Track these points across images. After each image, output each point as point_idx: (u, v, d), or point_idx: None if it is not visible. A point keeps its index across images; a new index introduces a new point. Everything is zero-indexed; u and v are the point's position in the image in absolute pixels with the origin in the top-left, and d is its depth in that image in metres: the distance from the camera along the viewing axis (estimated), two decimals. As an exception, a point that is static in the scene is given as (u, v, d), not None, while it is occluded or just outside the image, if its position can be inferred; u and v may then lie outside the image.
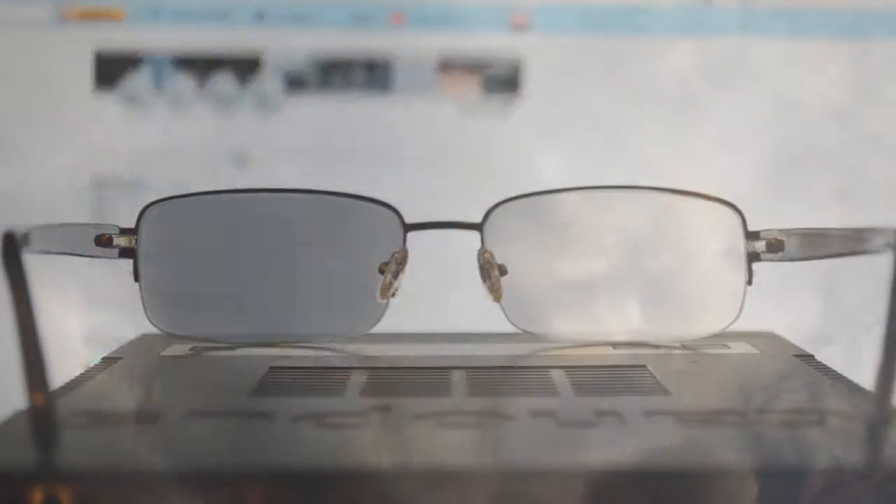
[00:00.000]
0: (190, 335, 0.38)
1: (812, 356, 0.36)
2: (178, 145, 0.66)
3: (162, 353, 0.37)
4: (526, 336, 0.39)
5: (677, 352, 0.37)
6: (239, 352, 0.37)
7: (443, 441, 0.26)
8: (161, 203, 0.39)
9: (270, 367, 0.34)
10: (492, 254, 0.38)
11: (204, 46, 0.66)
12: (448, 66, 0.66)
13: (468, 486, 0.23)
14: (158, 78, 0.66)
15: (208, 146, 0.66)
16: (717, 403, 0.30)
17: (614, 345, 0.38)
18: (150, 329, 0.38)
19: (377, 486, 0.23)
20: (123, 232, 0.38)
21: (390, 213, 0.38)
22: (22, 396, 0.25)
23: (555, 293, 0.38)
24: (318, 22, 0.66)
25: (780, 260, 0.37)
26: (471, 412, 0.29)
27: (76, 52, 0.66)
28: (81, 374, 0.33)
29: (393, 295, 0.38)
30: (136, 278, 0.38)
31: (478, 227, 0.38)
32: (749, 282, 0.37)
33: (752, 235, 0.37)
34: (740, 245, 0.37)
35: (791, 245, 0.37)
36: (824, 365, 0.35)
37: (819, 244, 0.36)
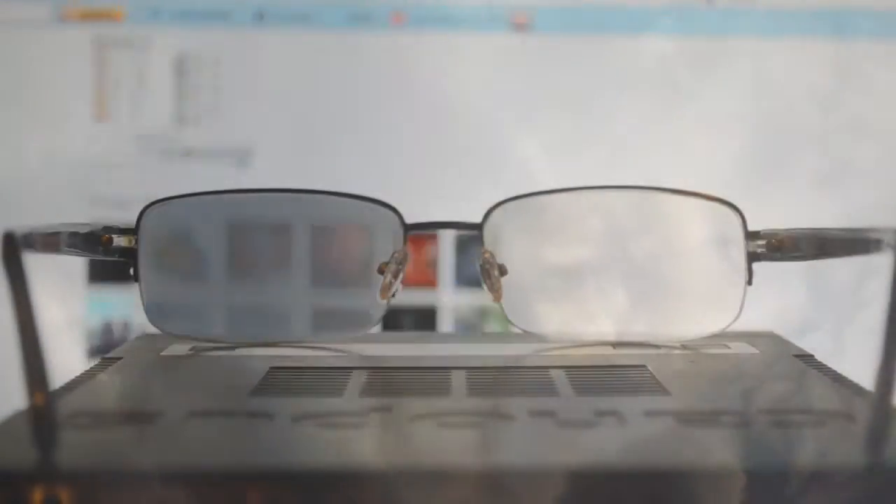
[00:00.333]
0: (190, 335, 0.38)
1: (812, 356, 0.36)
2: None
3: (162, 353, 0.37)
4: (526, 336, 0.39)
5: (677, 352, 0.37)
6: (239, 352, 0.37)
7: (443, 441, 0.26)
8: (161, 203, 0.39)
9: (270, 367, 0.34)
10: (492, 254, 0.38)
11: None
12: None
13: (468, 486, 0.23)
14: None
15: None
16: (717, 403, 0.30)
17: (614, 345, 0.38)
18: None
19: (377, 486, 0.23)
20: (123, 232, 0.38)
21: (390, 213, 0.38)
22: (22, 396, 0.25)
23: (555, 293, 0.38)
24: (318, 22, 0.67)
25: (780, 260, 0.37)
26: (471, 412, 0.29)
27: (76, 52, 0.66)
28: (81, 374, 0.33)
29: (393, 295, 0.38)
30: (136, 278, 0.38)
31: (478, 227, 0.38)
32: (749, 282, 0.37)
33: (752, 235, 0.37)
34: (740, 245, 0.37)
35: (791, 245, 0.37)
36: (824, 365, 0.35)
37: (819, 244, 0.36)
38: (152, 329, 0.38)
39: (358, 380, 0.33)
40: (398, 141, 0.66)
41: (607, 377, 0.34)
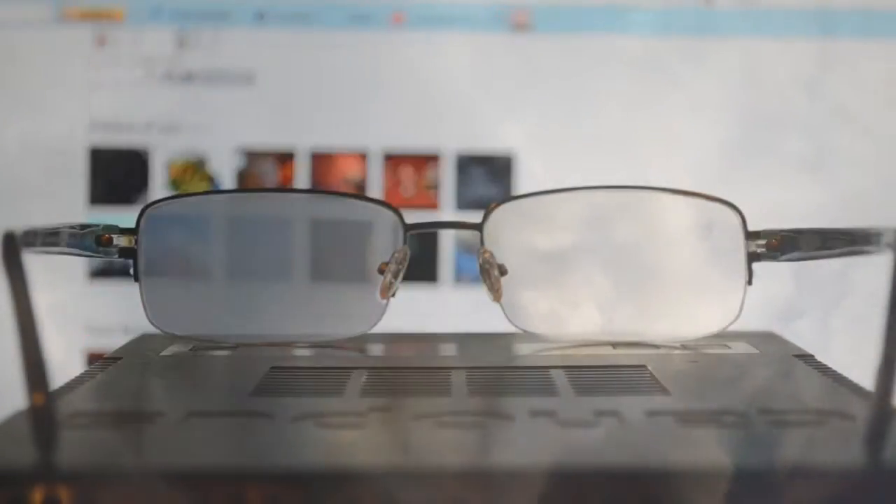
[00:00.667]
0: (190, 335, 0.38)
1: (812, 356, 0.36)
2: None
3: (162, 353, 0.37)
4: (526, 336, 0.39)
5: (677, 352, 0.37)
6: (239, 352, 0.37)
7: (443, 441, 0.26)
8: (161, 203, 0.39)
9: (270, 367, 0.34)
10: (492, 254, 0.38)
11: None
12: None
13: (468, 486, 0.23)
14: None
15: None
16: (717, 403, 0.30)
17: (614, 345, 0.38)
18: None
19: (377, 486, 0.23)
20: (123, 232, 0.38)
21: (390, 213, 0.38)
22: (22, 396, 0.25)
23: (555, 293, 0.38)
24: (318, 22, 0.66)
25: (780, 260, 0.37)
26: (471, 412, 0.29)
27: (76, 53, 0.66)
28: (81, 374, 0.33)
29: (393, 295, 0.38)
30: (136, 278, 0.38)
31: (478, 227, 0.38)
32: (749, 282, 0.37)
33: (752, 235, 0.37)
34: (740, 245, 0.37)
35: (791, 245, 0.37)
36: (824, 365, 0.35)
37: (819, 244, 0.36)
38: (152, 329, 0.38)
39: (358, 380, 0.33)
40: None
41: (607, 377, 0.34)
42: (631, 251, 0.39)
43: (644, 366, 0.34)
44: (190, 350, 0.37)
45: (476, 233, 0.38)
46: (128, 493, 0.23)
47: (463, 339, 0.39)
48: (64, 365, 0.59)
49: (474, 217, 0.39)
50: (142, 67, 0.66)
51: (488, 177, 0.66)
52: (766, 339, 0.39)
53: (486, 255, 0.38)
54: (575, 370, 0.34)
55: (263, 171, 0.64)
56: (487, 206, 0.38)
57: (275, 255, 0.39)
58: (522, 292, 0.38)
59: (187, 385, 0.34)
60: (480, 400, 0.31)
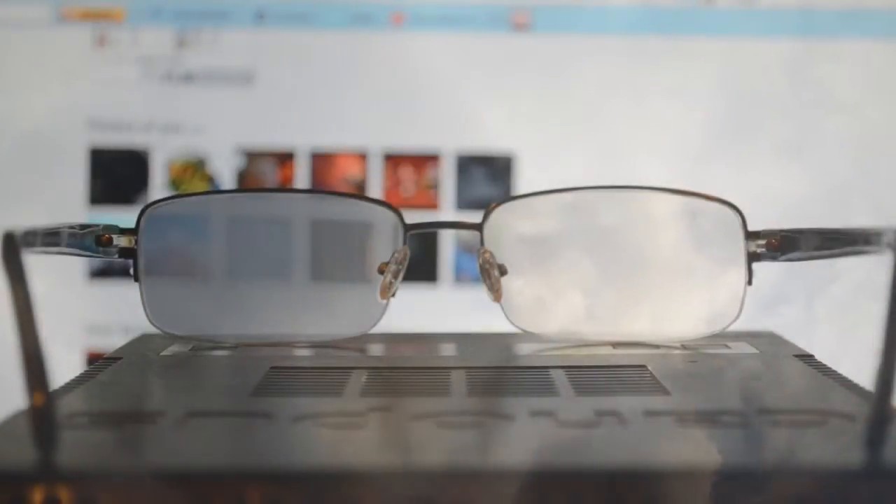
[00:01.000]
0: (190, 335, 0.38)
1: (812, 356, 0.36)
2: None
3: (162, 353, 0.37)
4: (526, 336, 0.39)
5: (677, 352, 0.37)
6: (239, 352, 0.37)
7: (443, 441, 0.26)
8: (161, 203, 0.39)
9: (270, 367, 0.34)
10: (492, 254, 0.38)
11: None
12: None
13: (468, 486, 0.23)
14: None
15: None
16: (717, 403, 0.30)
17: (614, 345, 0.38)
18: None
19: (377, 486, 0.23)
20: (123, 232, 0.38)
21: (390, 212, 0.38)
22: (22, 396, 0.25)
23: (554, 293, 0.38)
24: (318, 22, 0.67)
25: (780, 259, 0.37)
26: (471, 412, 0.29)
27: (76, 53, 0.66)
28: (81, 374, 0.33)
29: (393, 295, 0.38)
30: (136, 278, 0.38)
31: (478, 227, 0.38)
32: (749, 282, 0.37)
33: (752, 235, 0.37)
34: (740, 245, 0.37)
35: (791, 245, 0.37)
36: (824, 365, 0.35)
37: (819, 244, 0.36)
38: (152, 329, 0.38)
39: (358, 380, 0.33)
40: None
41: (607, 377, 0.34)
42: (631, 251, 0.39)
43: (644, 366, 0.34)
44: (190, 350, 0.37)
45: (476, 233, 0.38)
46: (128, 494, 0.23)
47: (463, 339, 0.39)
48: (64, 365, 0.59)
49: (474, 217, 0.39)
50: (142, 67, 0.66)
51: (488, 177, 0.66)
52: (766, 339, 0.39)
53: (486, 255, 0.38)
54: (575, 370, 0.34)
55: (263, 171, 0.64)
56: (487, 206, 0.38)
57: (275, 254, 0.39)
58: (522, 292, 0.38)
59: (187, 385, 0.34)
60: (480, 400, 0.31)
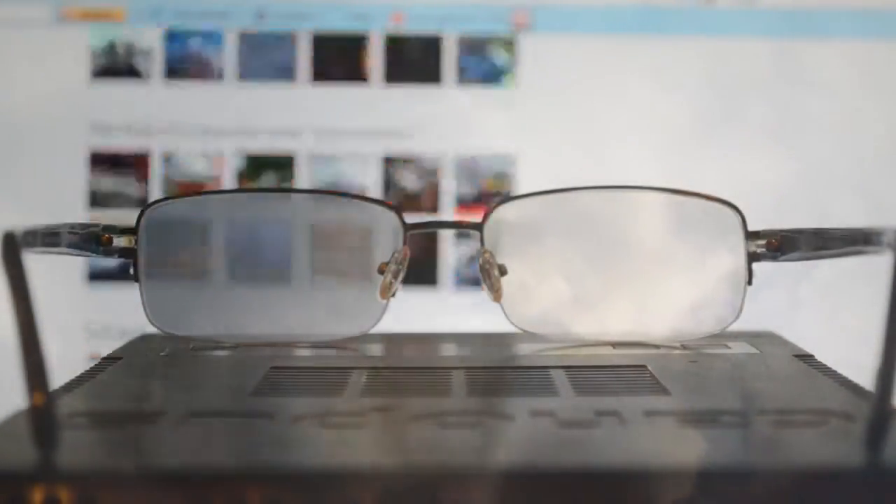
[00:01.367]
0: (190, 335, 0.38)
1: (812, 356, 0.36)
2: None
3: (162, 353, 0.37)
4: (526, 336, 0.39)
5: (677, 352, 0.37)
6: (239, 352, 0.37)
7: (443, 441, 0.26)
8: (161, 203, 0.39)
9: (270, 367, 0.34)
10: (492, 254, 0.38)
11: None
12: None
13: (468, 486, 0.23)
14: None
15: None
16: (717, 403, 0.30)
17: (614, 345, 0.38)
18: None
19: (377, 486, 0.23)
20: (123, 232, 0.38)
21: (390, 213, 0.38)
22: (22, 396, 0.25)
23: (555, 293, 0.38)
24: (318, 22, 0.66)
25: (780, 259, 0.37)
26: (471, 412, 0.29)
27: (76, 53, 0.66)
28: (81, 374, 0.33)
29: (393, 295, 0.38)
30: (136, 278, 0.38)
31: (478, 227, 0.38)
32: (749, 282, 0.37)
33: (752, 235, 0.37)
34: (740, 245, 0.37)
35: (791, 245, 0.37)
36: (824, 365, 0.35)
37: (819, 244, 0.36)
38: (152, 329, 0.38)
39: (358, 380, 0.33)
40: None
41: (607, 377, 0.34)
42: (631, 251, 0.39)
43: (644, 366, 0.34)
44: (190, 350, 0.37)
45: (476, 233, 0.38)
46: (128, 493, 0.23)
47: (463, 339, 0.39)
48: (64, 365, 0.59)
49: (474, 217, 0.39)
50: (141, 67, 0.66)
51: (487, 177, 0.66)
52: (766, 339, 0.39)
53: (486, 256, 0.38)
54: (575, 370, 0.34)
55: (263, 172, 0.64)
56: (487, 206, 0.38)
57: (275, 255, 0.39)
58: (522, 292, 0.38)
59: (187, 385, 0.34)
60: (480, 400, 0.31)
